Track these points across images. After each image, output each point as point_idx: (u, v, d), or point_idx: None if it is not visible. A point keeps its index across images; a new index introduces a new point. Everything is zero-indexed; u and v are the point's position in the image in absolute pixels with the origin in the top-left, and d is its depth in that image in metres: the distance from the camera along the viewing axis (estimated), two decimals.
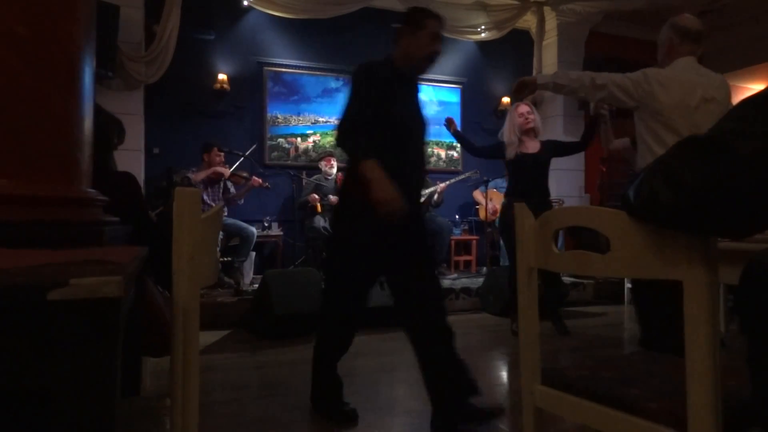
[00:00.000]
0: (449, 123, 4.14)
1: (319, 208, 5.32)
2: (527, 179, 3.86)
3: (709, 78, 2.45)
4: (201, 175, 4.83)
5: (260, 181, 5.20)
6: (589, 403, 1.12)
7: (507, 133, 3.92)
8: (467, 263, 6.23)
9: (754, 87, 7.69)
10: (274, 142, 5.98)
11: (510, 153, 3.86)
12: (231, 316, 4.07)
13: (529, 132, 3.87)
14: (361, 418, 2.29)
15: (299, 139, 6.09)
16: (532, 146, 3.88)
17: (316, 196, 5.33)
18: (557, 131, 6.20)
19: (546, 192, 3.96)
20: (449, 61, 6.65)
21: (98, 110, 2.25)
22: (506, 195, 4.08)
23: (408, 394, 2.64)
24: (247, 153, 5.30)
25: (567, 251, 1.19)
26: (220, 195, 5.05)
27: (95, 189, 1.43)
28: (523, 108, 3.92)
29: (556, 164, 6.39)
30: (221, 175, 4.97)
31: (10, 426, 0.86)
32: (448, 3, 6.14)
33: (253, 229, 4.96)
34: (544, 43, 6.71)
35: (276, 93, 5.99)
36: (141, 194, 2.36)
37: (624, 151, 3.25)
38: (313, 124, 6.14)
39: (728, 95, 2.49)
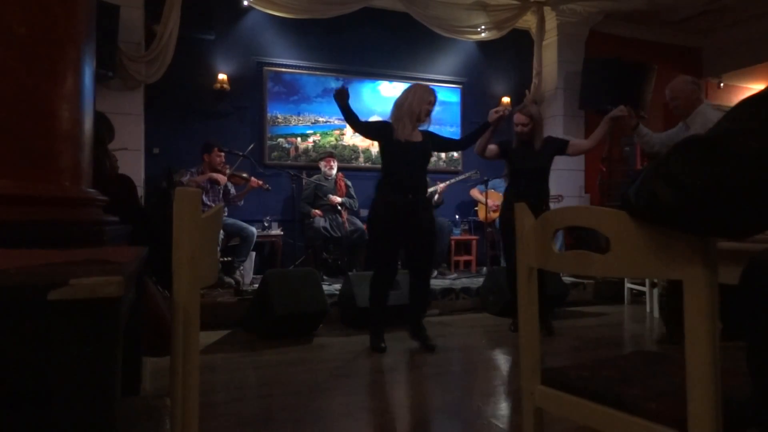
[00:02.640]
0: (342, 93, 3.37)
1: (320, 214, 5.34)
2: (411, 171, 3.38)
3: None
4: (198, 180, 4.83)
5: (260, 182, 5.20)
6: (589, 403, 1.12)
7: (405, 113, 3.35)
8: (467, 263, 6.23)
9: (754, 87, 7.69)
10: (274, 142, 5.98)
11: (398, 137, 3.34)
12: (231, 316, 4.07)
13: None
14: (361, 418, 2.29)
15: (299, 139, 6.09)
16: (416, 135, 3.42)
17: (319, 212, 5.34)
18: (557, 130, 6.20)
19: (426, 187, 3.58)
20: (449, 61, 6.65)
21: None
22: (380, 188, 3.45)
23: (408, 394, 2.64)
24: (246, 152, 5.29)
25: (567, 251, 1.19)
26: (220, 196, 5.05)
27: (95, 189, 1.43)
28: (433, 96, 3.43)
29: (557, 164, 6.41)
30: (217, 181, 4.96)
31: (10, 426, 0.86)
32: (448, 3, 6.14)
33: (253, 229, 4.96)
34: (544, 43, 6.71)
35: (276, 93, 5.99)
36: (136, 195, 2.37)
37: (495, 156, 3.99)
38: (313, 124, 6.14)
39: None
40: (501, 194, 6.02)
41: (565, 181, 6.60)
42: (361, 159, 6.35)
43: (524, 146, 3.87)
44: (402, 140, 3.35)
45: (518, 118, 3.85)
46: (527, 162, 3.85)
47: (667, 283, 3.62)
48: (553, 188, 6.70)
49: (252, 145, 5.51)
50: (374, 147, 6.37)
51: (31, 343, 0.69)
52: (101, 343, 0.70)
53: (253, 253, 5.17)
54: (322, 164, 5.63)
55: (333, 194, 5.47)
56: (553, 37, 6.68)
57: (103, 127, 2.43)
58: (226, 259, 4.80)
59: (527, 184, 3.84)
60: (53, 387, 0.69)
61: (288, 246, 5.62)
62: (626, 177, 6.53)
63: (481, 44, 6.64)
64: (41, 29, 1.24)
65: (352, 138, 6.30)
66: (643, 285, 4.97)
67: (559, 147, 3.90)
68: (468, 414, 2.38)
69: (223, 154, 5.06)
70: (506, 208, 4.03)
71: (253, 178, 5.19)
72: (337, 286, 4.53)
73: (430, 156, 3.54)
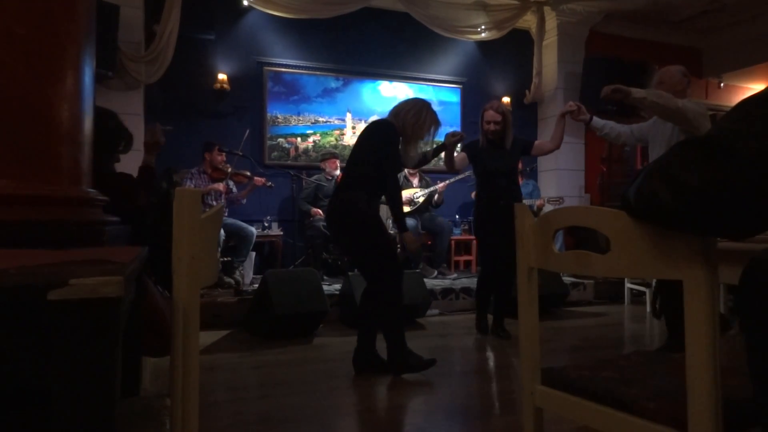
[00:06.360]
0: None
1: (320, 213, 5.32)
2: None
3: None
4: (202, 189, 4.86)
5: (263, 180, 5.20)
6: (589, 403, 1.12)
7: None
8: (467, 263, 6.23)
9: (754, 87, 7.69)
10: (274, 142, 5.98)
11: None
12: (231, 316, 4.07)
13: None
14: (361, 418, 2.29)
15: (299, 139, 6.09)
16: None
17: (319, 211, 5.32)
18: None
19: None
20: (449, 61, 6.65)
21: (112, 116, 2.31)
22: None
23: (408, 394, 2.64)
24: (240, 147, 5.27)
25: (567, 251, 1.19)
26: (223, 196, 5.05)
27: (95, 189, 1.43)
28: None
29: (557, 164, 6.43)
30: (218, 189, 4.98)
31: (10, 426, 0.86)
32: (448, 3, 6.14)
33: (253, 229, 4.96)
34: (544, 43, 6.71)
35: (276, 93, 5.99)
36: (138, 195, 2.37)
37: (465, 163, 3.88)
38: (313, 124, 6.14)
39: None
40: None
41: (565, 181, 6.59)
42: None
43: (493, 146, 3.70)
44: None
45: (491, 115, 3.65)
46: (498, 162, 3.69)
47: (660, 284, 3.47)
48: (553, 188, 6.74)
49: (247, 132, 5.45)
50: None
51: (31, 343, 0.69)
52: (101, 343, 0.70)
53: (253, 253, 5.17)
54: (325, 164, 5.62)
55: None
56: (553, 37, 6.68)
57: (121, 136, 2.45)
58: (226, 259, 4.80)
59: (501, 186, 3.70)
60: (53, 387, 0.69)
61: (288, 246, 5.62)
62: (626, 177, 6.53)
63: (481, 44, 6.63)
64: (41, 29, 1.24)
65: (352, 138, 6.30)
66: (643, 285, 4.97)
67: (525, 147, 3.80)
68: (468, 414, 2.38)
69: (223, 153, 5.06)
70: (481, 209, 3.83)
71: (256, 177, 5.19)
72: (337, 286, 4.53)
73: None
